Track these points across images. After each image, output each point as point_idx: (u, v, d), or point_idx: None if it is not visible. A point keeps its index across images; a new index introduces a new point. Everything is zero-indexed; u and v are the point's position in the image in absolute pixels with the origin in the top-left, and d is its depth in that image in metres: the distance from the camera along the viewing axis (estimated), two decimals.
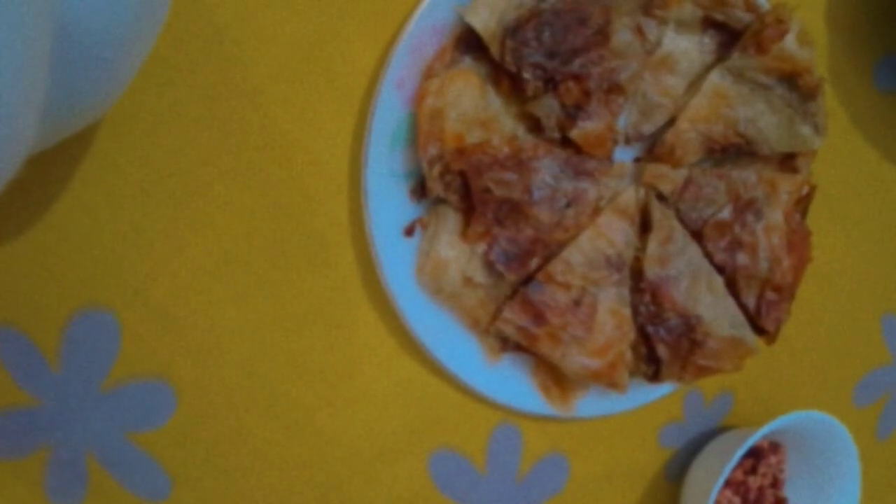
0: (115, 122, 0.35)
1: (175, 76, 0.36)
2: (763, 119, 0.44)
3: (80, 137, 0.35)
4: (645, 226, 0.44)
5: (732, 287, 0.45)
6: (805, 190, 0.46)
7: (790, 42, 0.43)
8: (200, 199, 0.37)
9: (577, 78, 0.39)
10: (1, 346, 0.35)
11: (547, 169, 0.40)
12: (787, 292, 0.46)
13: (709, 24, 0.43)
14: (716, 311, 0.44)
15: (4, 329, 0.35)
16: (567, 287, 0.41)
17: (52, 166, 0.34)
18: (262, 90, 0.37)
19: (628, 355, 0.44)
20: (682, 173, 0.44)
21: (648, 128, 0.43)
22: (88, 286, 0.36)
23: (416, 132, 0.39)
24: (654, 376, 0.45)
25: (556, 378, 0.44)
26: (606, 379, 0.43)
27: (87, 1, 0.23)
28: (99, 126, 0.35)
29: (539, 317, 0.41)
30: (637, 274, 0.43)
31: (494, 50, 0.38)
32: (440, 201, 0.40)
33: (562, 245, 0.41)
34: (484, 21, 0.38)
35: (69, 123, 0.27)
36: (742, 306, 0.45)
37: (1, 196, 0.22)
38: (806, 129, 0.45)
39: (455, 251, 0.40)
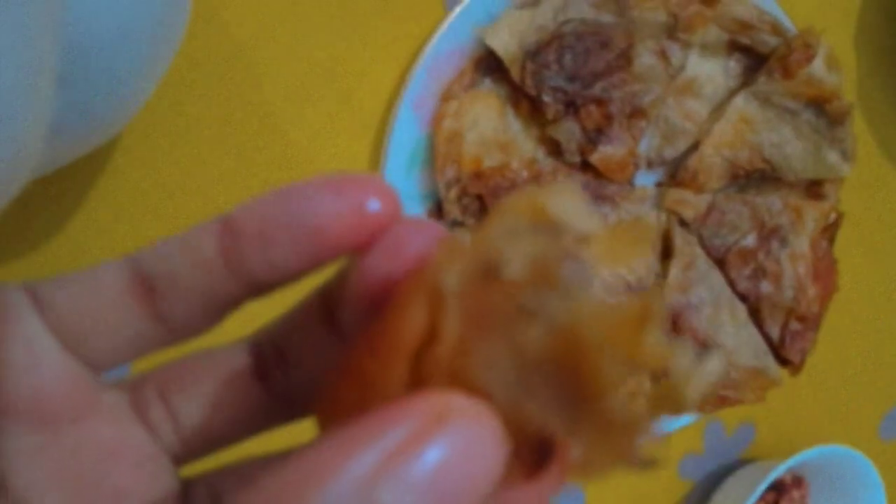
0: (131, 140, 0.35)
1: (191, 96, 0.36)
2: (789, 145, 0.43)
3: (95, 155, 0.35)
4: (666, 252, 0.43)
5: (756, 316, 0.44)
6: (832, 217, 0.45)
7: (818, 66, 0.42)
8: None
9: (598, 102, 0.39)
10: None
11: None
12: (812, 322, 0.45)
13: (734, 48, 0.43)
14: (738, 339, 0.43)
15: None
16: None
17: (66, 184, 0.34)
18: (278, 110, 0.37)
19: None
20: (705, 199, 0.43)
21: (671, 152, 0.43)
22: None
23: (433, 154, 0.38)
24: None
25: None
26: None
27: (103, 20, 0.22)
28: (114, 144, 0.35)
29: None
30: None
31: (515, 72, 0.38)
32: (457, 224, 0.40)
33: None
34: (504, 43, 0.38)
35: (84, 142, 0.26)
36: (765, 336, 0.44)
37: (16, 213, 0.22)
38: (833, 156, 0.44)
39: None
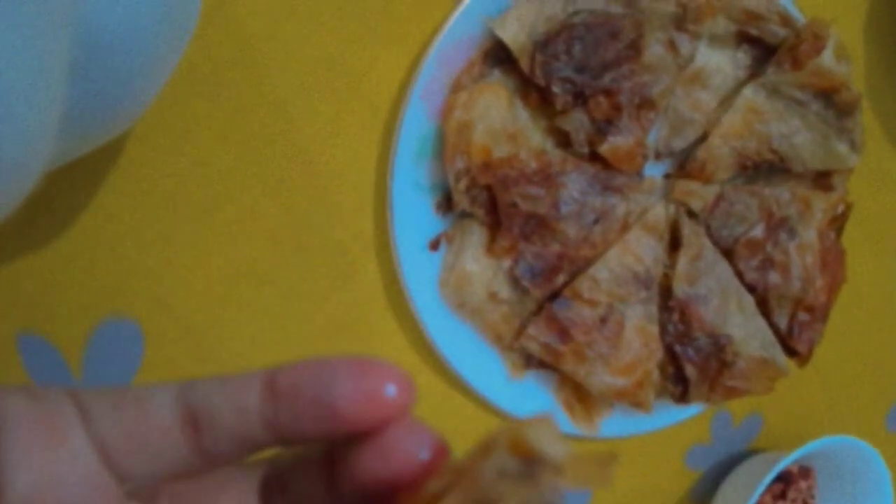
0: (142, 133, 0.35)
1: (203, 88, 0.36)
2: (798, 135, 0.43)
3: (107, 148, 0.35)
4: (674, 243, 0.43)
5: (764, 307, 0.44)
6: (840, 208, 0.45)
7: (827, 57, 0.42)
8: (225, 211, 0.37)
9: (607, 92, 0.39)
10: (25, 352, 0.35)
11: (575, 184, 0.40)
12: (820, 313, 0.45)
13: (743, 38, 0.43)
14: (746, 330, 0.43)
15: (29, 336, 0.35)
16: (593, 304, 0.41)
17: (79, 176, 0.35)
18: (288, 102, 0.37)
19: (655, 375, 0.43)
20: (713, 190, 0.43)
21: (679, 143, 0.43)
22: (113, 295, 0.36)
23: (442, 145, 0.38)
24: (682, 397, 0.44)
25: (580, 396, 0.44)
26: (632, 398, 0.42)
27: (115, 13, 0.23)
28: (126, 137, 0.35)
29: (564, 333, 0.40)
30: (665, 291, 0.43)
31: (524, 63, 0.38)
32: (466, 215, 0.40)
33: (589, 261, 0.41)
34: (514, 34, 0.38)
35: (96, 135, 0.27)
36: (773, 326, 0.44)
37: (29, 206, 0.22)
38: (842, 147, 0.44)
39: (480, 266, 0.40)
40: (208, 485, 0.18)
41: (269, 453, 0.19)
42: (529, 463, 0.15)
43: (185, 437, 0.17)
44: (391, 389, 0.17)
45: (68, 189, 0.35)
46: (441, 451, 0.17)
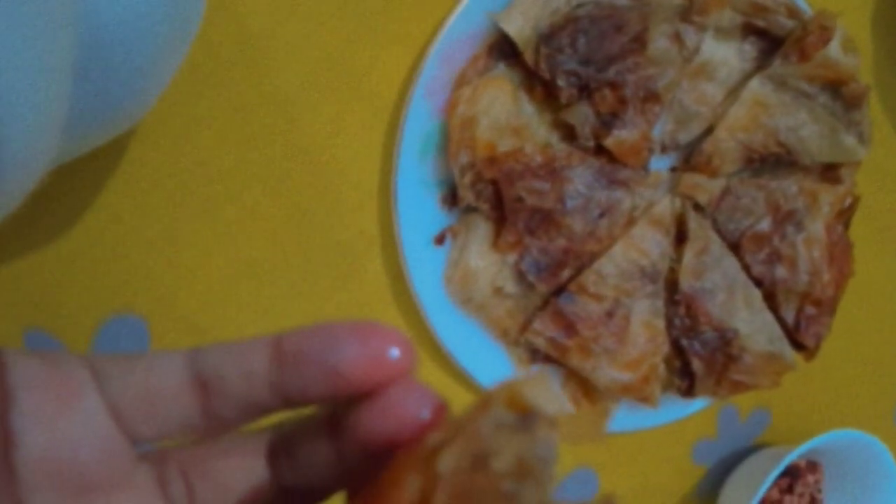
0: (148, 130, 0.35)
1: (207, 85, 0.36)
2: (805, 128, 0.43)
3: (112, 145, 0.35)
4: (680, 237, 0.43)
5: (770, 301, 0.44)
6: (848, 201, 0.45)
7: (834, 49, 0.42)
8: (229, 208, 0.37)
9: (612, 85, 0.38)
10: (32, 348, 0.35)
11: (580, 178, 0.40)
12: (827, 307, 0.45)
13: (749, 30, 0.42)
14: (753, 325, 0.43)
15: (36, 333, 0.35)
16: (599, 298, 0.40)
17: (83, 174, 0.35)
18: (292, 99, 0.37)
19: (661, 369, 0.43)
20: (719, 183, 0.43)
21: (685, 137, 0.42)
22: (119, 292, 0.36)
23: (447, 140, 0.38)
24: (688, 391, 0.44)
25: (586, 391, 0.43)
26: (638, 393, 0.42)
27: (120, 10, 0.23)
28: (131, 134, 0.35)
29: (570, 328, 0.40)
30: (671, 286, 0.42)
31: (528, 57, 0.38)
32: (471, 210, 0.40)
33: (594, 255, 0.41)
34: (518, 27, 0.38)
35: (101, 133, 0.27)
36: (780, 320, 0.44)
37: (32, 204, 0.22)
38: (850, 139, 0.43)
39: (485, 261, 0.40)
40: (215, 450, 0.19)
41: (274, 418, 0.19)
42: (526, 418, 0.16)
43: (194, 401, 0.18)
44: (394, 352, 0.17)
45: (74, 187, 0.35)
46: (440, 409, 0.18)
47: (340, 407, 0.18)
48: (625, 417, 0.44)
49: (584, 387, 0.43)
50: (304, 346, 0.17)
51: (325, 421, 0.19)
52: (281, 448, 0.19)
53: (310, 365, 0.17)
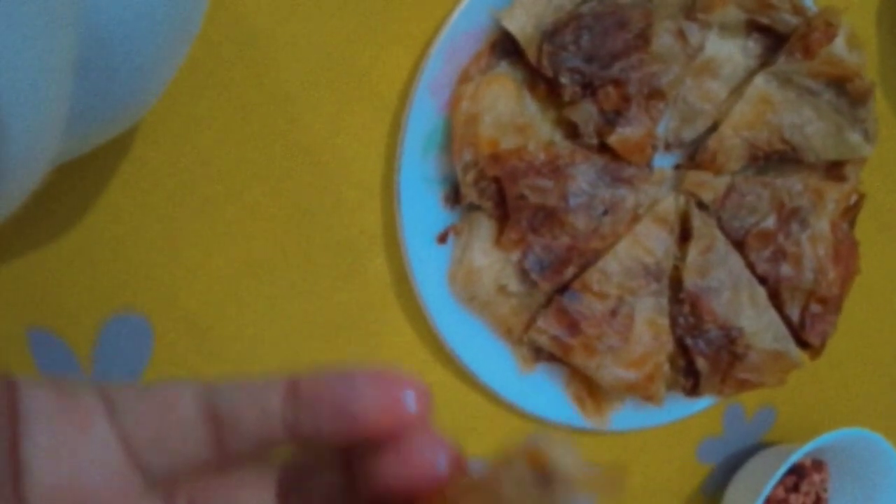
0: (149, 128, 0.35)
1: (208, 83, 0.36)
2: (810, 125, 0.43)
3: (114, 144, 0.35)
4: (685, 234, 0.42)
5: (776, 299, 0.44)
6: (853, 199, 0.45)
7: (839, 46, 0.41)
8: (232, 206, 0.37)
9: (616, 83, 0.38)
10: (35, 347, 0.35)
11: (584, 176, 0.39)
12: (833, 305, 0.44)
13: (753, 27, 0.42)
14: (758, 323, 0.43)
15: (39, 331, 0.35)
16: (603, 297, 0.40)
17: (86, 172, 0.35)
18: (295, 96, 0.37)
19: (666, 367, 0.43)
20: (723, 181, 0.42)
21: (689, 134, 0.42)
22: (122, 290, 0.36)
23: (450, 138, 0.38)
24: (693, 390, 0.44)
25: (590, 390, 0.43)
26: (642, 391, 0.42)
27: (122, 8, 0.22)
28: (134, 132, 0.35)
29: (574, 327, 0.40)
30: (676, 284, 0.42)
31: (531, 54, 0.38)
32: (474, 208, 0.40)
33: (598, 253, 0.40)
34: (521, 25, 0.37)
35: (103, 131, 0.27)
36: (786, 319, 0.44)
37: (34, 202, 0.22)
38: (855, 136, 0.43)
39: (489, 259, 0.40)
40: (226, 482, 0.19)
41: (286, 451, 0.19)
42: (546, 476, 0.16)
43: (206, 434, 0.18)
44: (410, 400, 0.18)
45: (76, 185, 0.35)
46: (457, 459, 0.18)
47: (354, 447, 0.18)
48: (630, 416, 0.44)
49: (589, 385, 0.43)
50: (321, 390, 0.18)
51: (336, 457, 0.19)
52: (292, 482, 0.19)
53: (326, 408, 0.18)
